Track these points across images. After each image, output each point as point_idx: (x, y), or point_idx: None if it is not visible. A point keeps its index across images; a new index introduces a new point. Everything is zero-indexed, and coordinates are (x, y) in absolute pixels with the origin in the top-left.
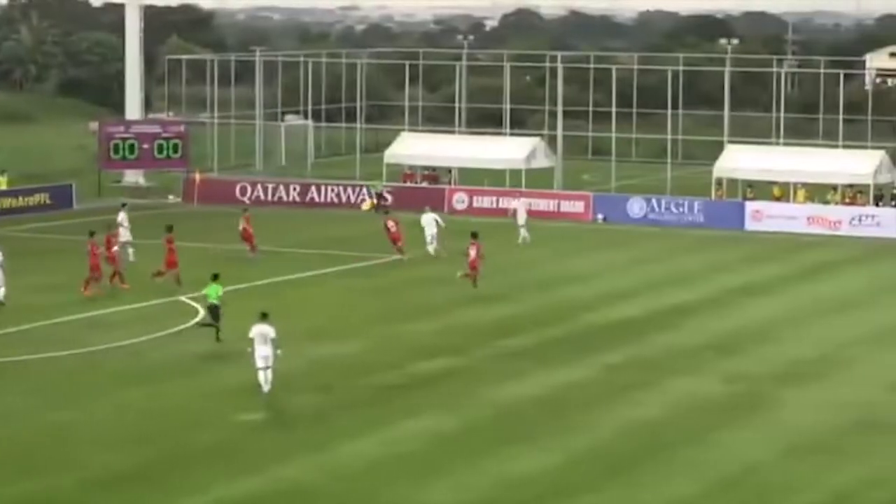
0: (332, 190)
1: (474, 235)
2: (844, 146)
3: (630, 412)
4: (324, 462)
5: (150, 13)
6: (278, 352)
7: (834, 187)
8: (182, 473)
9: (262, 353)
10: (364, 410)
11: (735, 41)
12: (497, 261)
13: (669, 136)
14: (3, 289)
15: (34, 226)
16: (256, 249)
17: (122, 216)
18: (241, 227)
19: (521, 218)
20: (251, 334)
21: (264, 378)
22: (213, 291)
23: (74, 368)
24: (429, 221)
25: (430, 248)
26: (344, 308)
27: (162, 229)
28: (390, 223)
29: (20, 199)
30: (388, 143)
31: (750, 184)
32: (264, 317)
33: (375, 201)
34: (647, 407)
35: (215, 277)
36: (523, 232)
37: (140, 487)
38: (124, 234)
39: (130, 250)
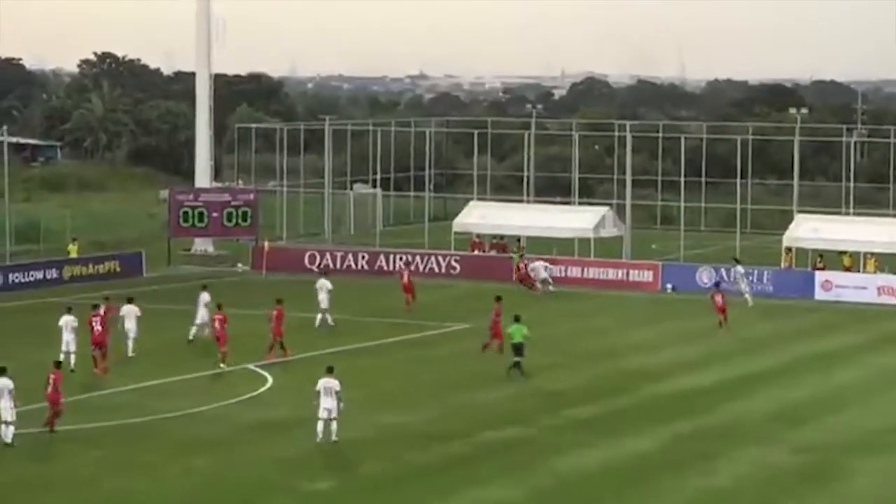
0: (401, 258)
1: (498, 299)
2: None
3: (699, 482)
4: None
5: (220, 82)
6: (341, 405)
7: None
8: None
9: (326, 405)
10: (431, 479)
11: (804, 110)
12: (564, 330)
13: (738, 206)
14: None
15: (104, 294)
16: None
17: (204, 297)
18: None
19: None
20: (317, 387)
21: (324, 428)
22: (517, 331)
23: (140, 436)
24: (322, 286)
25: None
26: (411, 377)
27: (228, 297)
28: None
29: (90, 266)
30: (456, 212)
31: (820, 253)
32: (330, 371)
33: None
34: (717, 477)
35: (517, 319)
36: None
37: None
38: (203, 316)
39: (207, 331)
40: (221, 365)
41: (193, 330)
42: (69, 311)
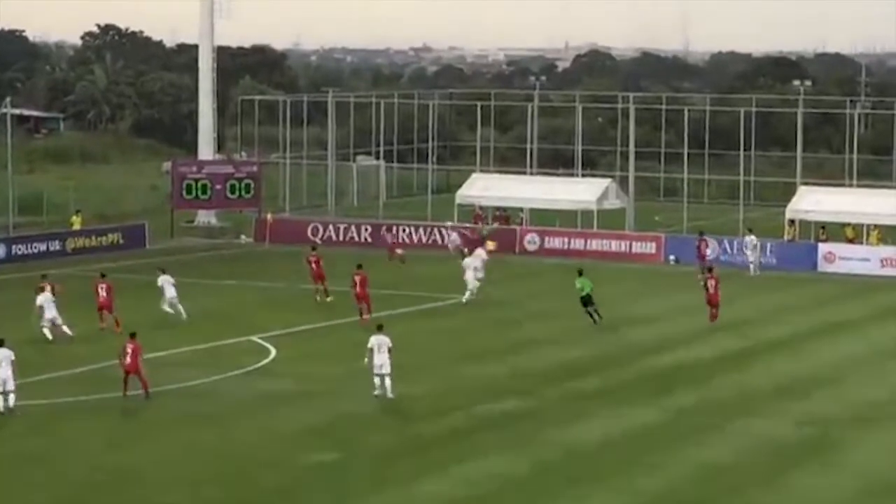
0: (404, 230)
1: (359, 267)
2: None
3: (700, 454)
4: (394, 503)
5: (223, 54)
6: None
7: None
8: None
9: (379, 362)
10: (434, 451)
11: (808, 83)
12: (567, 303)
13: (742, 178)
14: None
15: (106, 265)
16: (326, 292)
17: (162, 278)
18: (312, 267)
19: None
20: (370, 344)
21: (381, 383)
22: (586, 284)
23: (142, 408)
24: (475, 258)
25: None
26: (413, 349)
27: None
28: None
29: (93, 238)
30: (459, 184)
31: (822, 225)
32: (380, 328)
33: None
34: (718, 449)
35: (580, 273)
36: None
37: None
38: (170, 292)
39: (180, 307)
40: (328, 298)
41: (167, 307)
42: (42, 289)
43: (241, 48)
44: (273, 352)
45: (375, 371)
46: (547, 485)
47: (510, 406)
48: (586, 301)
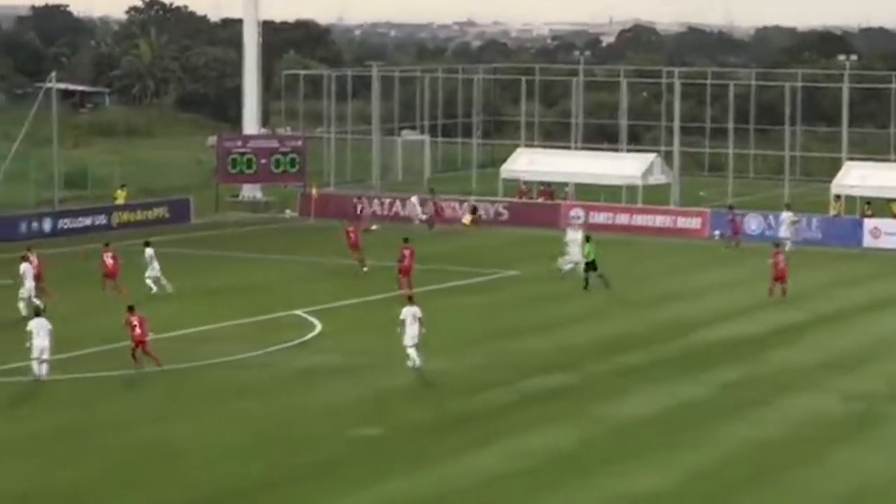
0: (449, 205)
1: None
2: None
3: (746, 430)
4: (437, 478)
5: (267, 29)
6: (423, 330)
7: None
8: (293, 489)
9: (412, 333)
10: (477, 427)
11: (853, 57)
12: (612, 277)
13: (787, 153)
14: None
15: (151, 240)
16: (363, 263)
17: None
18: (349, 238)
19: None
20: (402, 316)
21: (416, 354)
22: (590, 250)
23: (185, 382)
24: (573, 238)
25: (562, 264)
26: (457, 324)
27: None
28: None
29: (138, 212)
30: (503, 159)
31: (868, 201)
32: (410, 300)
33: (472, 215)
34: (764, 425)
35: (588, 239)
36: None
37: (252, 502)
38: (154, 269)
39: (164, 282)
40: (364, 269)
41: (150, 283)
42: (25, 259)
43: (285, 23)
44: (318, 326)
45: (408, 343)
46: (591, 460)
47: (554, 381)
48: (590, 266)
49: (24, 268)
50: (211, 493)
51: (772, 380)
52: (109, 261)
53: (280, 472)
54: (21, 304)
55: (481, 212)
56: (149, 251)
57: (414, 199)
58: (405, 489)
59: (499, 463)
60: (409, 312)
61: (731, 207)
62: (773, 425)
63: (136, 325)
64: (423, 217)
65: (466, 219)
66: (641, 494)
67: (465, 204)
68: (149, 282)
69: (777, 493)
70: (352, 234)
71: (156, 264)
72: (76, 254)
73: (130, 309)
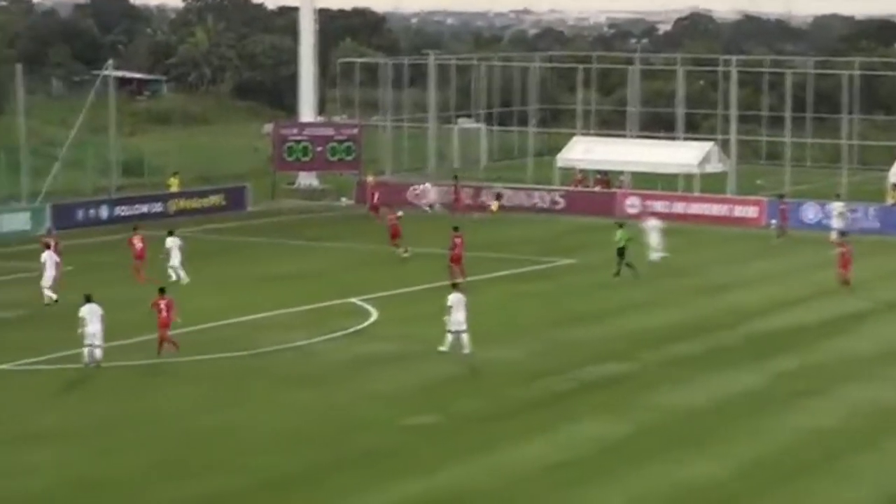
0: (505, 193)
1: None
2: None
3: (802, 419)
4: (491, 466)
5: (324, 17)
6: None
7: None
8: (348, 476)
9: (458, 319)
10: (532, 415)
11: None
12: (667, 265)
13: (845, 141)
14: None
15: (208, 227)
16: (401, 247)
17: (170, 241)
18: (392, 226)
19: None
20: (449, 302)
21: (456, 340)
22: (622, 237)
23: (242, 370)
24: (653, 227)
25: (654, 256)
26: (514, 312)
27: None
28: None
29: (195, 200)
30: (560, 147)
31: None
32: (455, 286)
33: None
34: (820, 414)
35: (621, 225)
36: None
37: (306, 489)
38: (175, 257)
39: (182, 273)
40: (405, 255)
41: (171, 272)
42: (47, 246)
43: (341, 10)
44: (373, 314)
45: (454, 328)
46: (646, 449)
47: (610, 369)
48: (621, 252)
49: (46, 256)
50: (266, 479)
51: (829, 369)
52: (138, 244)
53: (335, 459)
54: (45, 293)
55: (504, 200)
56: (170, 240)
57: (428, 185)
58: (460, 477)
59: (554, 451)
60: (455, 299)
61: (781, 196)
62: (829, 414)
63: (163, 309)
64: (433, 204)
65: (494, 205)
66: (697, 483)
67: (490, 191)
68: (170, 271)
69: (833, 482)
70: (395, 221)
71: (176, 253)
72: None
73: (161, 291)
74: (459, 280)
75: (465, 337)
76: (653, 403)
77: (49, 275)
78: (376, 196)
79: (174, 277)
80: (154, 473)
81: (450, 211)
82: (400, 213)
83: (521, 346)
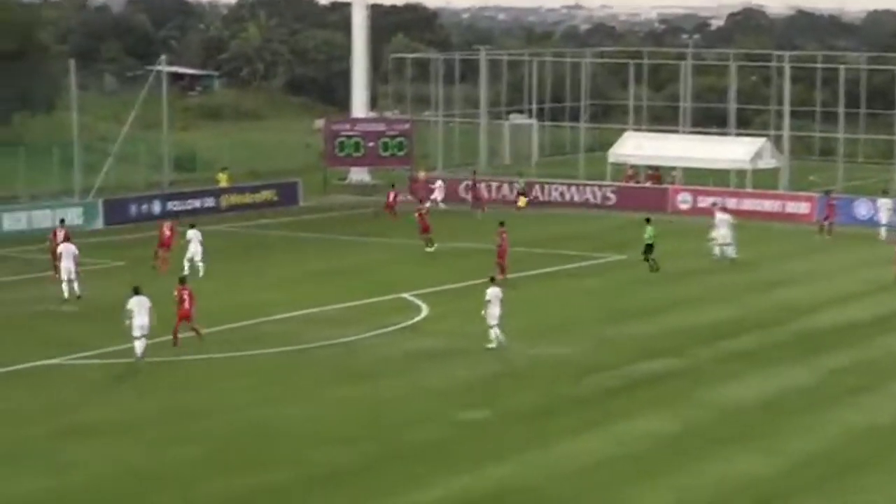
0: (556, 189)
1: (501, 224)
2: None
3: (855, 416)
4: (543, 462)
5: (376, 12)
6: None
7: None
8: (400, 470)
9: (495, 313)
10: (584, 411)
11: None
12: (718, 262)
13: None
14: None
15: (261, 222)
16: (429, 241)
17: (191, 233)
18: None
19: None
20: (487, 297)
21: (496, 334)
22: (650, 232)
23: (294, 364)
24: (721, 222)
25: (729, 251)
26: (565, 308)
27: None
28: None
29: (247, 195)
30: (611, 143)
31: None
32: (493, 280)
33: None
34: (873, 411)
35: (648, 220)
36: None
37: (359, 483)
38: (196, 250)
39: (199, 265)
40: (431, 249)
41: (186, 264)
42: (67, 239)
43: (393, 6)
44: (425, 309)
45: (494, 322)
46: (698, 445)
47: (661, 365)
48: (649, 248)
49: (62, 249)
50: (318, 473)
51: (881, 365)
52: (167, 231)
53: (387, 454)
54: (63, 287)
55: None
56: (190, 232)
57: (440, 182)
58: (512, 472)
59: (605, 447)
60: (493, 293)
61: (827, 192)
62: (882, 411)
63: (185, 300)
64: (440, 200)
65: (522, 201)
66: (747, 479)
67: (515, 185)
68: (186, 263)
69: (884, 479)
70: (424, 216)
71: (193, 247)
72: (183, 236)
73: (182, 281)
74: (499, 276)
75: (492, 332)
76: (703, 400)
77: (66, 266)
78: (392, 196)
79: (187, 271)
80: (204, 467)
81: (471, 207)
82: (428, 206)
83: (572, 342)
